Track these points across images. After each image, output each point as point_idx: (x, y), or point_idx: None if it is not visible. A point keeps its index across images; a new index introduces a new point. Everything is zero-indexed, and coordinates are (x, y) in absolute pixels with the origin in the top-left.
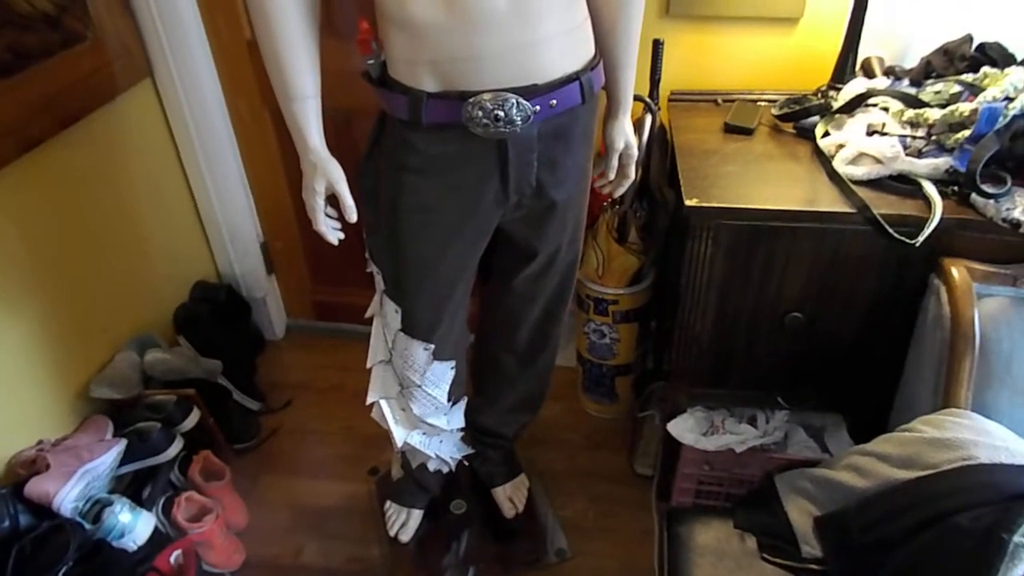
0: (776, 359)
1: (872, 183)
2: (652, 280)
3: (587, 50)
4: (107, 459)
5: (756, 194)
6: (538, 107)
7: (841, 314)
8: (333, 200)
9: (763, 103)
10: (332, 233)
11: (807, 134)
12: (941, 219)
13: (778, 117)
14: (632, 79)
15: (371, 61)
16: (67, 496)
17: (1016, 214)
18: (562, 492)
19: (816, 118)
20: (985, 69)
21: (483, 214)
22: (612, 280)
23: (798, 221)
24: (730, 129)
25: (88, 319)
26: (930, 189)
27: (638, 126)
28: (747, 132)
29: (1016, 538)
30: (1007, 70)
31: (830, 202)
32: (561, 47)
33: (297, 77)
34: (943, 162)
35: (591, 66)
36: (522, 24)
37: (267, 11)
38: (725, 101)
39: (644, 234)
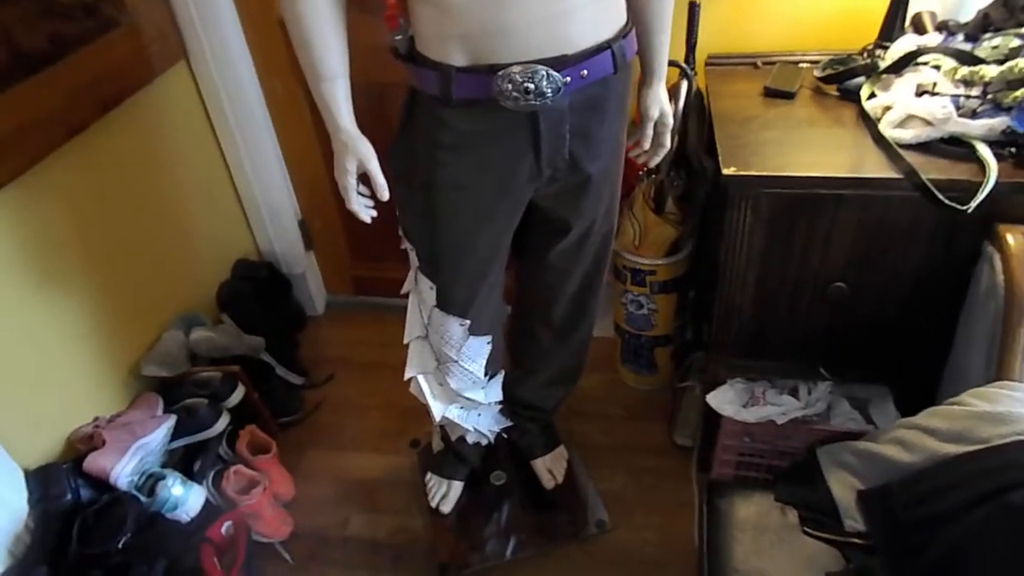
0: (819, 330)
1: (921, 147)
2: (690, 250)
3: (619, 17)
4: (159, 435)
5: (798, 161)
6: (568, 78)
7: (887, 284)
8: (365, 179)
9: (805, 65)
10: (365, 211)
11: (852, 96)
12: (996, 183)
13: (821, 79)
14: (667, 44)
15: (399, 36)
16: (123, 471)
17: None
18: (602, 464)
19: (862, 79)
20: None
21: (517, 190)
22: (650, 251)
23: (842, 188)
24: (770, 93)
25: (135, 299)
26: (984, 151)
27: (673, 93)
28: (788, 96)
29: None
30: None
31: (876, 168)
32: (592, 15)
33: (326, 57)
34: (999, 122)
35: (623, 34)
36: None
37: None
38: (765, 64)
39: (682, 203)
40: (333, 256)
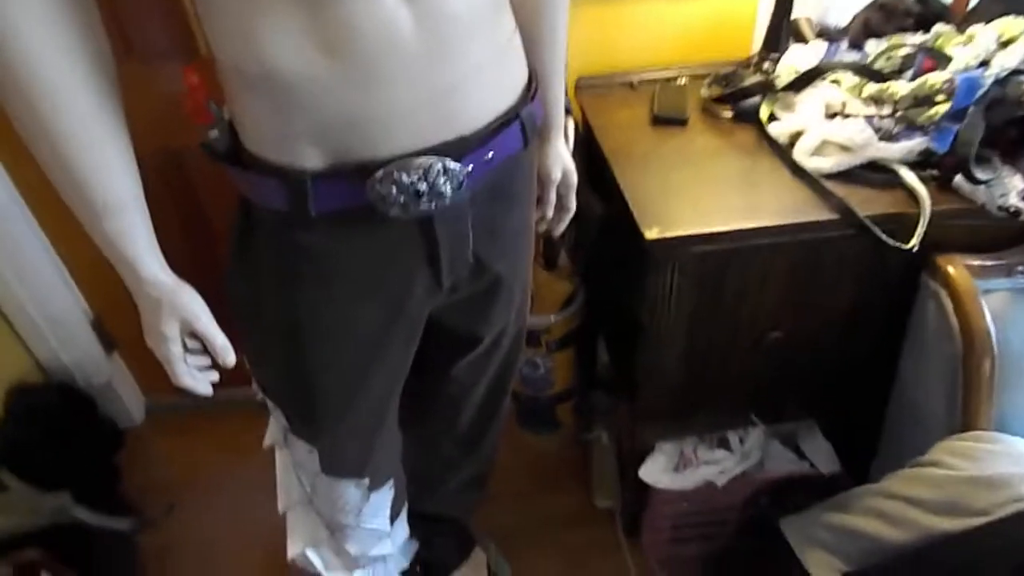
0: (751, 379)
1: (842, 175)
2: (584, 297)
3: (521, 73)
4: None
5: (719, 209)
6: (471, 166)
7: (821, 325)
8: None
9: (685, 80)
10: (204, 383)
11: (749, 118)
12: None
13: (713, 101)
14: (563, 91)
15: (214, 131)
16: None
17: (1012, 200)
18: (524, 549)
19: (757, 99)
20: (938, 28)
21: (412, 314)
22: (544, 309)
23: (776, 236)
24: (660, 121)
25: None
26: (911, 179)
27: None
28: (681, 123)
29: None
30: (971, 30)
31: (807, 209)
32: (493, 78)
33: (104, 179)
34: (917, 143)
35: (530, 94)
36: (440, 60)
37: (38, 94)
38: (642, 83)
39: (573, 253)
40: (147, 350)
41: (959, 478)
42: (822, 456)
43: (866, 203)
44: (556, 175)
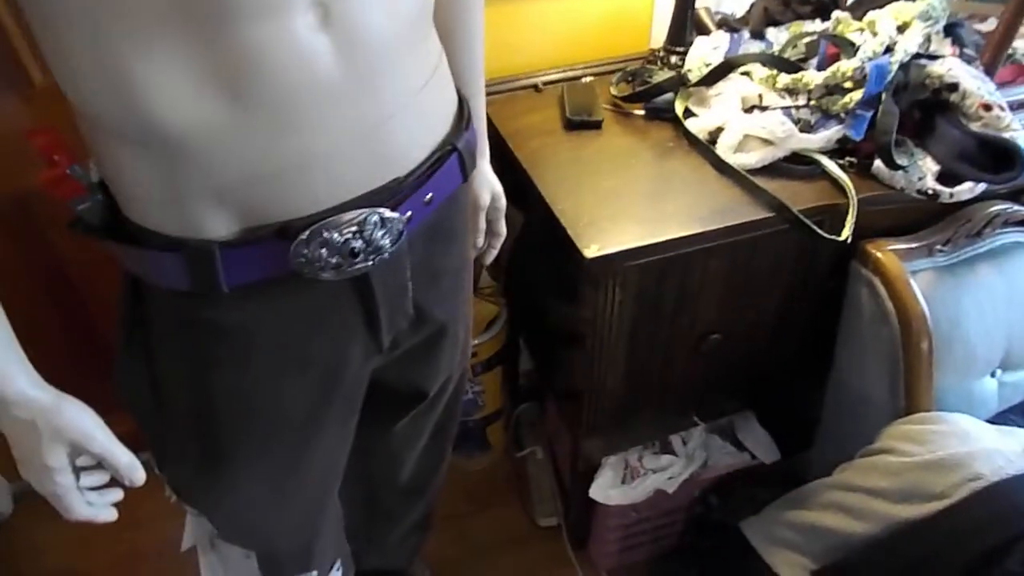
0: (692, 382)
1: (766, 169)
2: (507, 316)
3: (452, 99)
4: None
5: (655, 217)
6: (410, 212)
7: (757, 320)
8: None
9: (590, 78)
10: (105, 509)
11: (664, 116)
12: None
13: (624, 99)
14: (484, 108)
15: (83, 204)
16: None
17: (929, 182)
18: None
19: (669, 95)
20: (837, 14)
21: (350, 384)
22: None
23: (713, 240)
24: (574, 125)
25: None
26: (833, 169)
27: None
28: (595, 126)
29: None
30: (869, 16)
31: (740, 208)
32: (425, 109)
33: None
34: (835, 132)
35: (464, 122)
36: (366, 93)
37: None
38: (546, 84)
39: (494, 271)
40: None
41: (913, 464)
42: (761, 446)
43: (795, 196)
44: (485, 200)
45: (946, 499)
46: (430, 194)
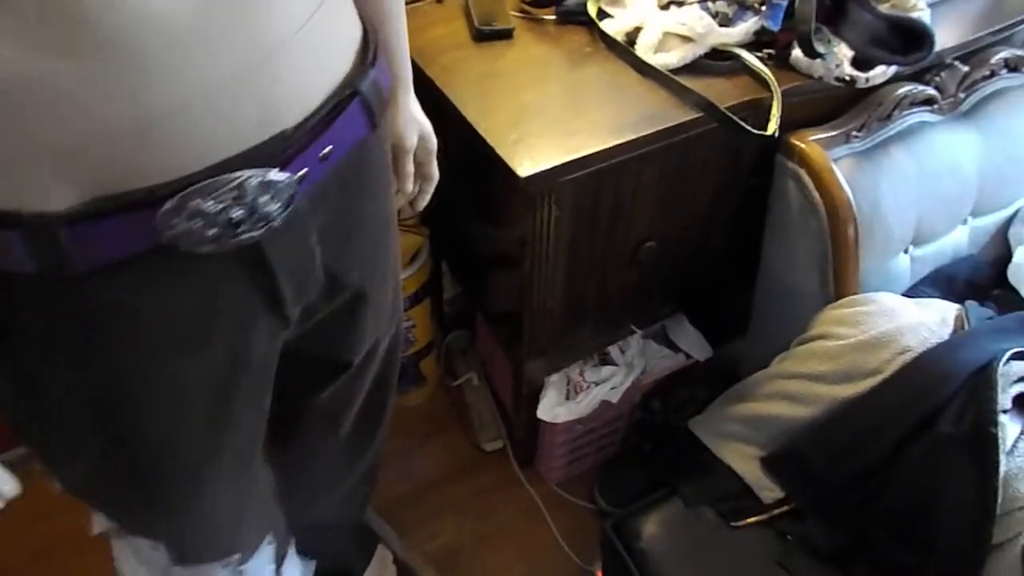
0: (628, 291)
1: (687, 68)
2: (430, 247)
3: (354, 31)
4: None
5: (584, 128)
6: (304, 169)
7: (689, 224)
8: None
9: None
10: None
11: (575, 18)
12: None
13: (532, 4)
14: (405, 36)
15: None
16: None
17: (846, 68)
18: (423, 519)
19: None
20: None
21: (256, 361)
22: None
23: (645, 146)
24: (484, 36)
25: None
26: (754, 62)
27: None
28: (507, 35)
29: (999, 419)
30: None
31: (669, 111)
32: (315, 41)
33: None
34: (753, 24)
35: (369, 58)
36: (241, 22)
37: None
38: None
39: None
40: None
41: (849, 346)
42: (695, 345)
43: (720, 95)
44: (411, 141)
45: (880, 375)
46: (328, 147)
